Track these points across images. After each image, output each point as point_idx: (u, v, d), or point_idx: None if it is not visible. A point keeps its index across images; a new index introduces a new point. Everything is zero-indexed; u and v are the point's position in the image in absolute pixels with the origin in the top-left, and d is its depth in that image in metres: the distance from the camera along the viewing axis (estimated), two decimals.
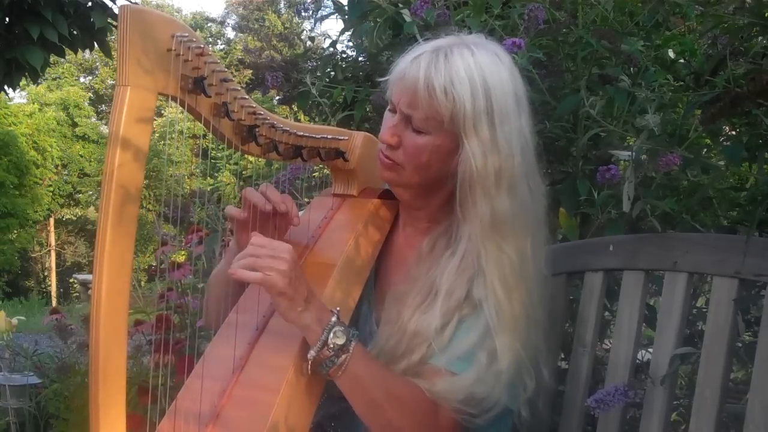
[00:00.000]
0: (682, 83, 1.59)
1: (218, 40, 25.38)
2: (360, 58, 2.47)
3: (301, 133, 1.29)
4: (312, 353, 1.13)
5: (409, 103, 1.24)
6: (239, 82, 1.15)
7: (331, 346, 1.13)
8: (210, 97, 1.12)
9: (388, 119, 1.30)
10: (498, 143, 1.22)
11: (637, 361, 1.38)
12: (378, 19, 2.09)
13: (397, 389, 1.18)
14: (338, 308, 1.16)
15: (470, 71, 1.21)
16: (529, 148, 1.26)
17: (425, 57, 1.23)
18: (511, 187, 1.23)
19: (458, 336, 1.23)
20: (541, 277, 1.28)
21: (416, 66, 1.23)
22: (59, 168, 17.93)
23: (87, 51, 5.34)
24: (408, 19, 1.78)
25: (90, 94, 22.05)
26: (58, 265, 18.62)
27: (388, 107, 1.30)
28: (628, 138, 1.58)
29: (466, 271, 1.26)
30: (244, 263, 1.13)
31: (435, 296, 1.26)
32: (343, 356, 1.13)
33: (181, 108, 1.10)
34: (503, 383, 1.19)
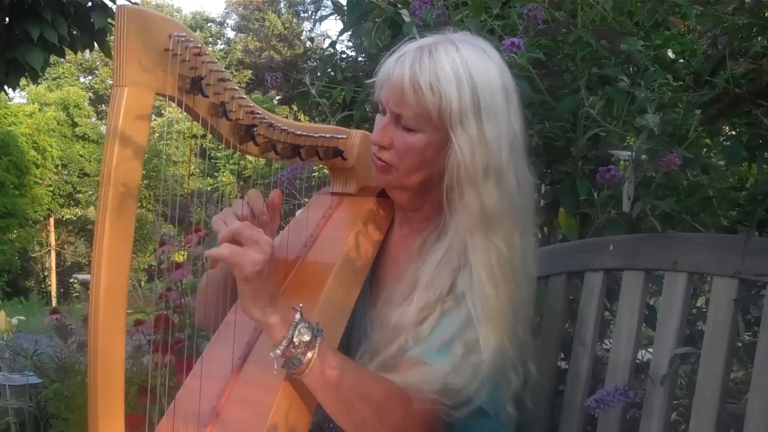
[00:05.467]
0: (681, 83, 1.58)
1: (218, 40, 25.39)
2: (359, 59, 2.47)
3: (300, 132, 1.29)
4: (278, 351, 1.10)
5: (398, 102, 1.24)
6: (239, 83, 1.15)
7: (297, 343, 1.09)
8: (208, 96, 1.11)
9: (379, 121, 1.30)
10: (485, 137, 1.21)
11: (637, 361, 1.38)
12: (377, 20, 2.09)
13: (367, 386, 1.16)
14: (300, 305, 1.13)
15: (455, 67, 1.21)
16: (518, 142, 1.26)
17: (409, 55, 1.23)
18: (499, 180, 1.22)
19: (438, 328, 1.22)
20: (529, 274, 1.27)
21: (401, 65, 1.23)
22: (59, 168, 17.91)
23: (87, 51, 5.35)
24: (407, 19, 1.78)
25: (90, 94, 22.04)
26: (58, 265, 18.60)
27: (379, 109, 1.30)
28: (627, 138, 1.58)
29: (449, 264, 1.25)
30: (221, 238, 1.10)
31: (414, 288, 1.26)
32: (310, 353, 1.10)
33: (179, 107, 1.10)
34: (483, 376, 1.18)
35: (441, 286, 1.24)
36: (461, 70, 1.21)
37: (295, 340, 1.10)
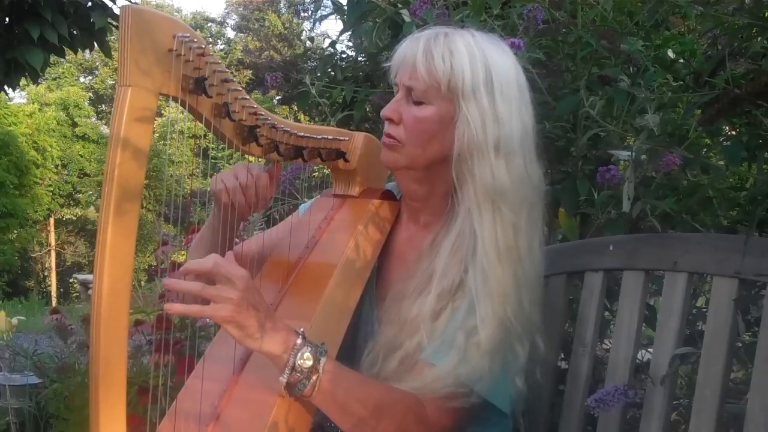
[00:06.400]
0: (681, 83, 1.59)
1: (218, 40, 25.37)
2: (359, 59, 2.47)
3: (302, 134, 1.29)
4: (282, 379, 1.09)
5: (410, 75, 1.26)
6: (239, 82, 1.15)
7: (299, 369, 1.09)
8: (211, 97, 1.11)
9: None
10: (497, 114, 1.23)
11: (637, 361, 1.38)
12: (377, 20, 2.10)
13: (376, 397, 1.16)
14: (302, 329, 1.12)
15: (470, 47, 1.24)
16: (529, 137, 1.27)
17: (425, 35, 1.27)
18: (509, 159, 1.24)
19: (449, 326, 1.23)
20: (535, 261, 1.27)
21: (416, 41, 1.27)
22: (59, 168, 17.90)
23: (87, 51, 5.34)
24: (407, 19, 1.79)
25: (90, 94, 22.03)
26: (58, 265, 18.60)
27: (394, 91, 1.32)
28: (627, 138, 1.59)
29: (460, 250, 1.26)
30: (189, 288, 1.07)
31: (431, 280, 1.26)
32: (314, 376, 1.09)
33: (181, 108, 1.10)
34: (484, 351, 1.18)
35: (453, 275, 1.25)
36: (476, 50, 1.24)
37: (297, 366, 1.09)
